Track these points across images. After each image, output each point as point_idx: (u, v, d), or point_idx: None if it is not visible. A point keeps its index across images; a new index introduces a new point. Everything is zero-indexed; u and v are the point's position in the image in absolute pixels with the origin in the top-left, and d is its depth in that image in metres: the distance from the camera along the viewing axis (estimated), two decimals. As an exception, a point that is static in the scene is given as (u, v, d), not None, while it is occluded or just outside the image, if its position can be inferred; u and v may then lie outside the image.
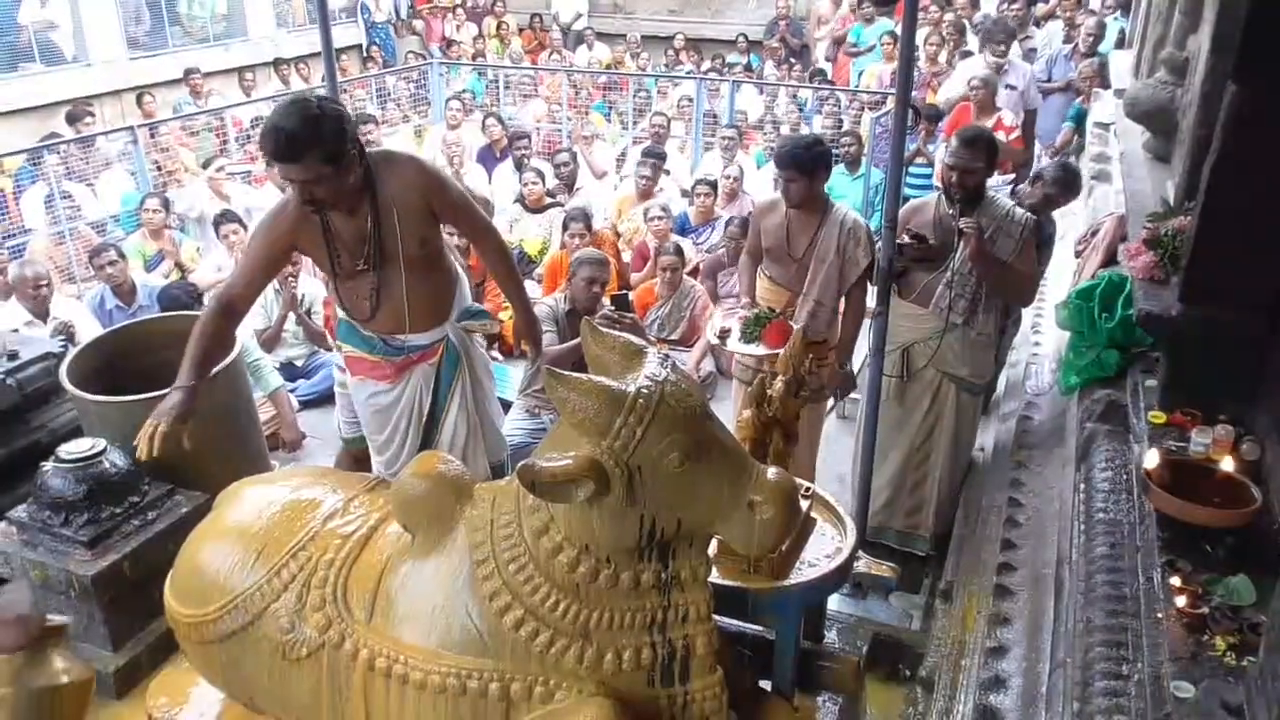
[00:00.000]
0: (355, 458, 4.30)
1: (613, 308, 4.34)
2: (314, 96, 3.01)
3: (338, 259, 3.17)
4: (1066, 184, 4.91)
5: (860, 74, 10.88)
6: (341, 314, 3.36)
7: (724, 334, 4.14)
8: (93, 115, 9.21)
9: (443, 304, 3.41)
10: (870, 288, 4.12)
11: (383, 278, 3.20)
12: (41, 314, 5.21)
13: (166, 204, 7.26)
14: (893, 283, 3.74)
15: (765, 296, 4.25)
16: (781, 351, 3.91)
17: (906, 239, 3.90)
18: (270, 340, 5.79)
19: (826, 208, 4.14)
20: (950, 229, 3.98)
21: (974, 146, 3.93)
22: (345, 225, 3.10)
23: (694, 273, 6.70)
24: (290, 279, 5.77)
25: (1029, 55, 9.31)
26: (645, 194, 7.58)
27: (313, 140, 2.85)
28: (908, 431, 4.30)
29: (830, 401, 4.78)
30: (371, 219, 3.09)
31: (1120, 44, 8.51)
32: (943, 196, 4.07)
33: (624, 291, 5.15)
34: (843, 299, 4.23)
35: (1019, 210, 4.09)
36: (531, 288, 6.59)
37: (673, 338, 6.24)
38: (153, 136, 8.43)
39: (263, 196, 7.99)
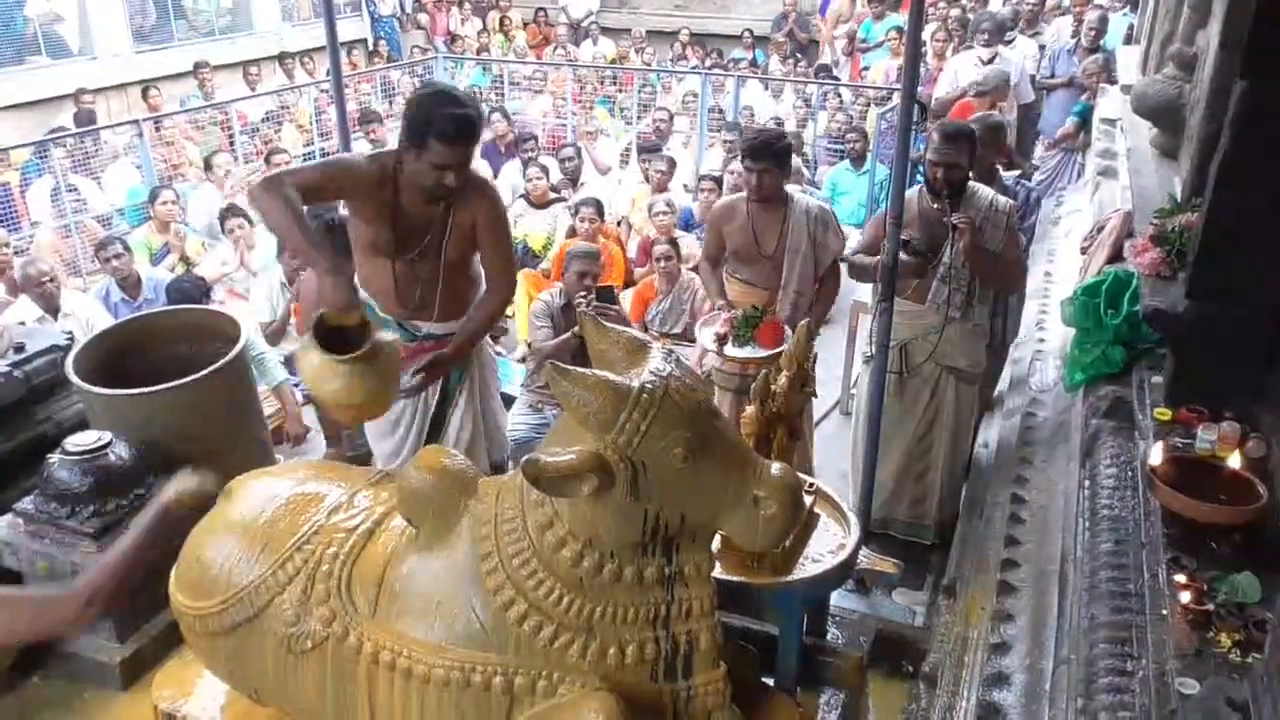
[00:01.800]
0: (355, 456, 4.32)
1: (595, 300, 4.34)
2: (451, 87, 3.23)
3: (392, 237, 3.22)
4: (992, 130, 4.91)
5: (866, 69, 10.85)
6: (363, 293, 3.35)
7: (721, 340, 4.12)
8: (92, 106, 9.23)
9: (465, 302, 3.46)
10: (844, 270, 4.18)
11: (425, 268, 3.27)
12: (52, 310, 5.22)
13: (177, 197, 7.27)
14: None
15: (739, 299, 4.25)
16: (780, 350, 3.93)
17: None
18: (276, 334, 5.80)
19: (787, 200, 4.14)
20: (934, 223, 4.00)
21: (956, 141, 3.96)
22: (416, 212, 3.16)
23: (697, 268, 6.70)
24: (298, 272, 5.78)
25: (1040, 51, 9.28)
26: (660, 187, 7.58)
27: (482, 125, 3.10)
28: (909, 425, 4.31)
29: (830, 401, 4.79)
30: (440, 218, 3.19)
31: (1128, 39, 8.47)
32: (925, 190, 4.08)
33: (609, 285, 5.13)
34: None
35: (1001, 199, 4.13)
36: (538, 281, 6.61)
37: (675, 332, 6.24)
38: (158, 130, 8.43)
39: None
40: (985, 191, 4.14)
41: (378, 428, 3.61)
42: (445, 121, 2.96)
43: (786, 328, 4.02)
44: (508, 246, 3.47)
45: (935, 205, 4.01)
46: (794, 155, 6.62)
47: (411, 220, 3.19)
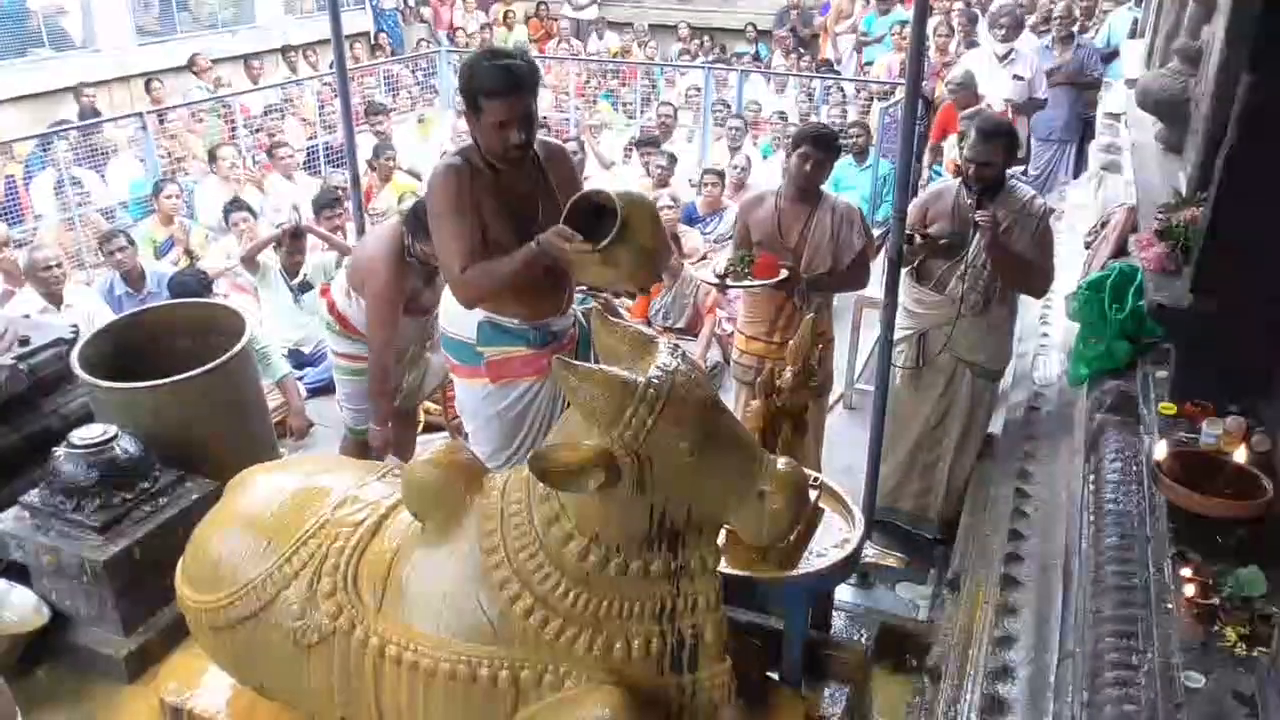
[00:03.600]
0: (364, 445, 4.30)
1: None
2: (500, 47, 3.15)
3: (510, 226, 3.09)
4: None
5: (869, 64, 10.83)
6: (482, 315, 3.22)
7: (723, 276, 4.12)
8: (93, 99, 9.24)
9: (571, 280, 3.37)
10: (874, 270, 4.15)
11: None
12: (55, 301, 5.23)
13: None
14: (905, 270, 3.76)
15: (760, 290, 4.24)
16: (776, 280, 3.95)
17: (918, 238, 3.95)
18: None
19: (819, 196, 4.15)
20: (967, 218, 4.00)
21: (993, 140, 3.95)
22: (514, 183, 3.08)
23: (702, 260, 6.71)
24: (296, 264, 5.82)
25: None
26: (661, 182, 7.58)
27: (534, 75, 2.98)
28: (920, 416, 4.33)
29: (834, 395, 4.80)
30: (541, 189, 3.14)
31: (1133, 33, 8.45)
32: (962, 185, 4.09)
33: None
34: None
35: (1037, 201, 4.10)
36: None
37: (678, 326, 6.26)
38: (161, 123, 8.43)
39: (269, 182, 8.01)
40: (1024, 190, 4.13)
41: (503, 445, 3.41)
42: (489, 76, 2.90)
43: (783, 268, 4.02)
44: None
45: (969, 200, 4.02)
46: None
47: (517, 201, 3.08)
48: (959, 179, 4.17)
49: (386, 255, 3.91)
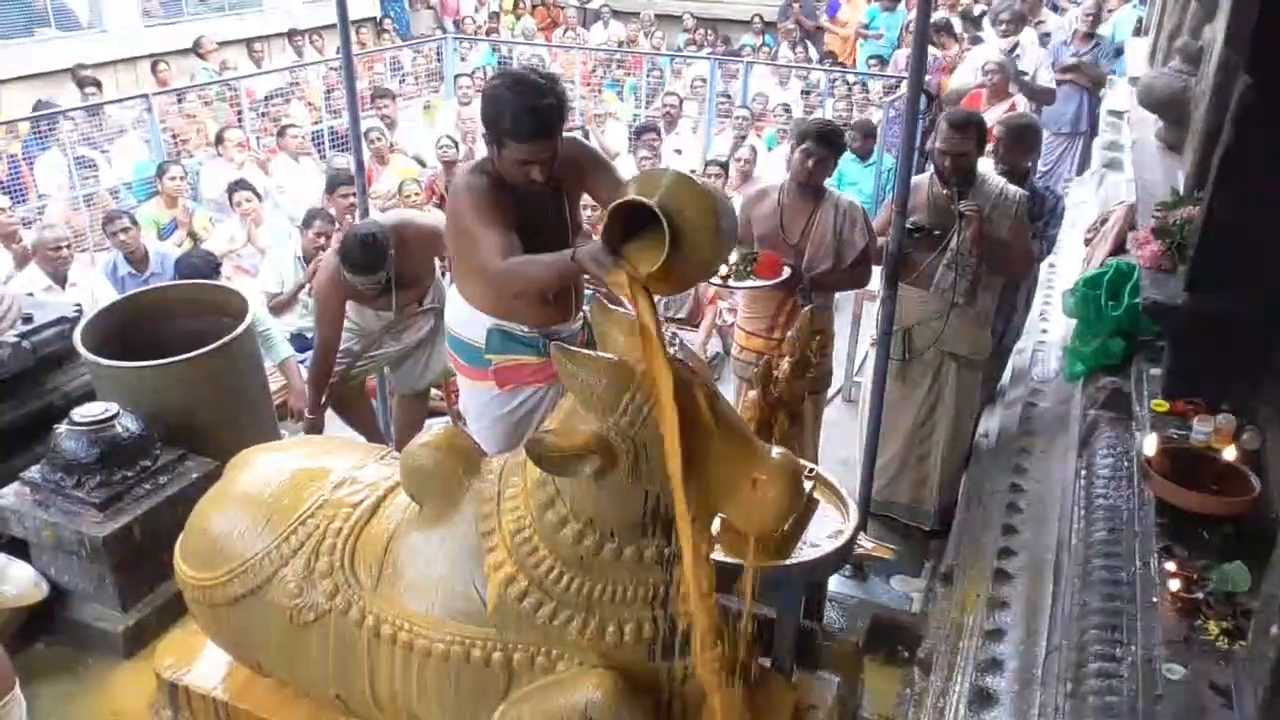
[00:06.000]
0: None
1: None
2: (529, 71, 2.95)
3: (533, 234, 2.96)
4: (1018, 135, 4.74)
5: (871, 58, 10.82)
6: (492, 322, 3.16)
7: (726, 276, 4.06)
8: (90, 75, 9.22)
9: (580, 286, 3.31)
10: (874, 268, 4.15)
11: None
12: (60, 279, 5.25)
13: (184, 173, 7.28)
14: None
15: (762, 289, 4.25)
16: (778, 280, 3.96)
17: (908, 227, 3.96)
18: (280, 307, 5.82)
19: (822, 192, 4.16)
20: (943, 210, 4.04)
21: (963, 130, 3.99)
22: (527, 193, 2.97)
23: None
24: (319, 248, 5.83)
25: (1043, 40, 9.24)
26: (657, 174, 7.58)
27: (563, 115, 2.83)
28: (910, 409, 4.35)
29: (833, 388, 4.81)
30: (552, 193, 3.05)
31: (1138, 31, 8.45)
32: (935, 177, 4.11)
33: None
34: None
35: (1011, 188, 4.15)
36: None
37: (679, 316, 6.26)
38: (179, 102, 8.44)
39: (276, 164, 8.02)
40: (995, 180, 4.17)
41: (506, 448, 3.24)
42: (517, 119, 2.77)
43: (785, 266, 3.99)
44: (608, 164, 3.22)
45: (945, 192, 4.04)
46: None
47: (527, 208, 2.97)
48: (930, 172, 4.20)
49: (328, 259, 4.14)
